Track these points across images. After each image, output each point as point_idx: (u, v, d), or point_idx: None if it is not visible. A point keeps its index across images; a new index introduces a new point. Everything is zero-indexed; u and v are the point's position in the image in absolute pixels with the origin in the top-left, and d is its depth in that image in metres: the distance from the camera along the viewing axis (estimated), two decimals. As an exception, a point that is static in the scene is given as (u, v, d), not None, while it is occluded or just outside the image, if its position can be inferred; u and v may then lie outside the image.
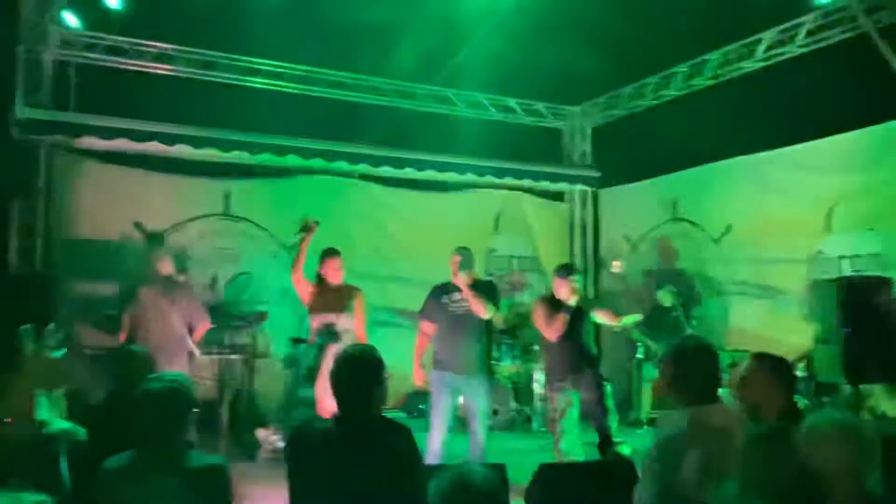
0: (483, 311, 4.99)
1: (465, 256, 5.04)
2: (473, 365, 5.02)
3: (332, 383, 2.39)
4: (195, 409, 2.58)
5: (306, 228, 5.27)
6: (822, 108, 7.64)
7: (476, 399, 5.04)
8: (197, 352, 5.48)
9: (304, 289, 5.34)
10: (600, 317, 5.24)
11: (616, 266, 8.91)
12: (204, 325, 5.59)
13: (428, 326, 5.20)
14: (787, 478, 1.99)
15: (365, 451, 2.23)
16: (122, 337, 5.49)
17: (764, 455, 2.05)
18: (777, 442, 2.06)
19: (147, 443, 2.50)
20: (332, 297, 5.21)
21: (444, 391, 5.03)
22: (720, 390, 2.56)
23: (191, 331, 5.53)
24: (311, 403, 2.60)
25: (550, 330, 5.03)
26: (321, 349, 2.86)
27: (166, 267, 5.59)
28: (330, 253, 5.33)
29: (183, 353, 5.42)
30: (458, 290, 5.04)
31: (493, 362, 5.83)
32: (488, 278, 6.89)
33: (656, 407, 8.04)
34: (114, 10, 7.15)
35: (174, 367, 5.18)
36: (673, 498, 2.29)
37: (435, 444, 4.94)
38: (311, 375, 2.76)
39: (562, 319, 4.97)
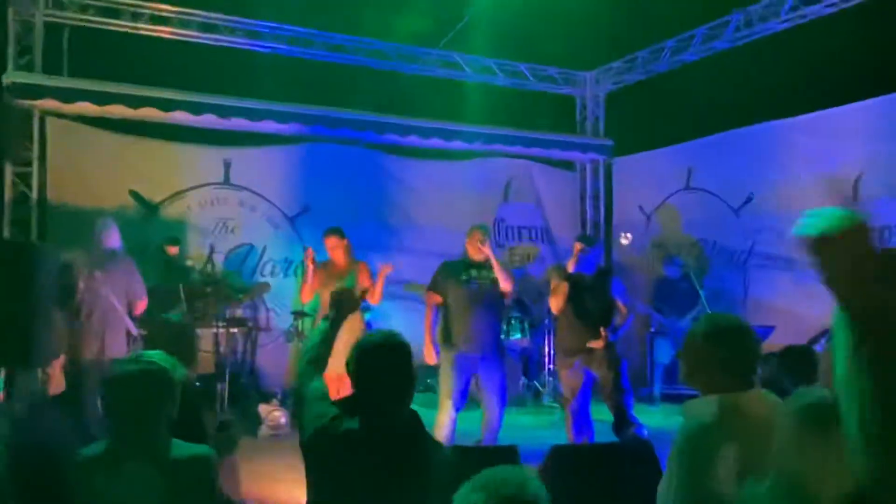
0: (509, 284, 4.98)
1: (486, 232, 5.08)
2: (491, 343, 4.95)
3: (355, 377, 2.08)
4: (176, 393, 2.34)
5: (306, 257, 5.53)
6: (849, 72, 7.30)
7: (493, 378, 4.93)
8: (134, 330, 5.19)
9: (311, 290, 5.54)
10: None
11: (624, 238, 8.65)
12: (142, 302, 5.28)
13: (438, 301, 5.05)
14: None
15: (394, 459, 1.96)
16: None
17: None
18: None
19: (122, 430, 2.28)
20: (335, 273, 5.49)
21: (461, 374, 4.88)
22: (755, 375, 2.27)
23: (130, 307, 5.19)
24: (322, 397, 2.23)
25: (551, 300, 5.02)
26: (332, 325, 2.51)
27: (112, 239, 5.19)
28: (329, 232, 5.57)
29: (120, 329, 5.09)
30: (479, 266, 4.97)
31: (502, 337, 5.73)
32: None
33: (668, 383, 7.82)
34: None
35: (111, 345, 4.99)
36: (705, 498, 2.02)
37: (445, 424, 4.78)
38: (319, 361, 2.39)
39: (562, 291, 4.88)
